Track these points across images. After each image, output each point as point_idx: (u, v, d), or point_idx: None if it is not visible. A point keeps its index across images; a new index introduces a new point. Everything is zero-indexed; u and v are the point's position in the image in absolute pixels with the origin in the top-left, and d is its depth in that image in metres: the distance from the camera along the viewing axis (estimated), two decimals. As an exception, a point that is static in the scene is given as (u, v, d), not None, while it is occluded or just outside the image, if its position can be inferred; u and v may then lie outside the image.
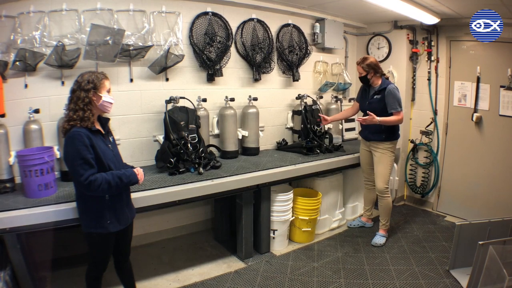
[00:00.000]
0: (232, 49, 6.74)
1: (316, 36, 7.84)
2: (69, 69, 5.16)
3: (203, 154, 5.80)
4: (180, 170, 5.51)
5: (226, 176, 5.53)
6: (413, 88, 8.37)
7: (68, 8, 5.19)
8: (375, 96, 6.38)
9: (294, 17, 7.51)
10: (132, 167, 4.12)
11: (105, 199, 3.78)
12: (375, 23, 8.58)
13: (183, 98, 5.98)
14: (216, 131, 6.67)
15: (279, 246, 6.48)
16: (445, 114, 8.04)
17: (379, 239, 6.70)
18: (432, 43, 8.01)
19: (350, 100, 8.61)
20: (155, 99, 6.07)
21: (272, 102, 7.50)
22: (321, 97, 8.04)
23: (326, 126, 7.56)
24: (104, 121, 4.04)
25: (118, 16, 5.51)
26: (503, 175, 7.19)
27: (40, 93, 5.14)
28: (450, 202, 8.13)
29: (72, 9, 5.22)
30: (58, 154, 4.90)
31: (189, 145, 5.64)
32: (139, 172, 4.00)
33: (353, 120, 8.39)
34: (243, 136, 6.76)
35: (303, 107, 7.31)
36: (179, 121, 5.69)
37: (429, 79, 8.14)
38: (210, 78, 6.49)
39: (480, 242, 4.86)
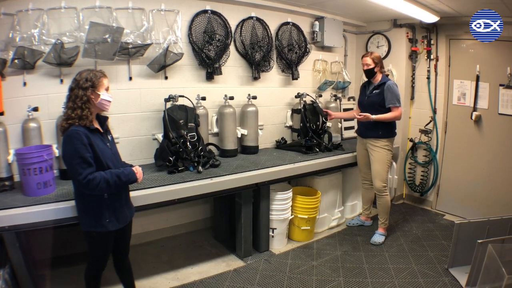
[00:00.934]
0: (231, 47, 6.74)
1: (315, 35, 7.83)
2: (68, 67, 5.15)
3: (202, 153, 5.78)
4: (179, 168, 5.51)
5: (225, 175, 5.53)
6: (413, 87, 8.39)
7: (67, 5, 5.17)
8: (374, 91, 6.41)
9: (293, 15, 7.51)
10: (131, 166, 4.11)
11: (104, 198, 3.77)
12: (375, 22, 8.59)
13: (182, 96, 5.97)
14: (215, 130, 6.67)
15: (278, 244, 6.48)
16: (444, 112, 8.05)
17: (378, 237, 6.71)
18: (432, 42, 8.02)
19: (349, 98, 8.67)
20: (154, 98, 6.06)
21: (271, 100, 7.50)
22: (321, 96, 8.02)
23: (325, 125, 7.53)
24: (103, 120, 4.03)
25: (117, 14, 5.50)
26: (502, 174, 7.21)
27: (38, 91, 5.13)
28: (449, 200, 8.15)
29: (71, 7, 5.20)
30: (57, 152, 4.88)
31: (188, 143, 5.63)
32: (138, 170, 4.00)
33: (352, 119, 8.39)
34: (242, 134, 6.75)
35: (302, 105, 7.29)
36: (178, 120, 5.68)
37: (428, 78, 8.15)
38: (209, 77, 6.49)
39: (479, 241, 4.92)
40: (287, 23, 7.42)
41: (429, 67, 8.14)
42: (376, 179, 6.57)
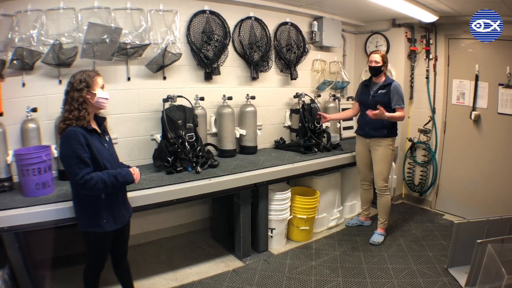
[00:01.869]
0: (230, 47, 6.75)
1: (314, 35, 7.85)
2: (66, 68, 5.18)
3: (200, 153, 5.81)
4: (178, 169, 5.53)
5: (224, 175, 5.54)
6: (411, 87, 8.40)
7: (66, 6, 5.19)
8: (380, 91, 6.39)
9: (292, 15, 7.54)
10: (129, 167, 4.13)
11: (101, 198, 3.79)
12: (373, 21, 8.62)
13: (181, 96, 5.99)
14: (214, 130, 6.70)
15: (277, 245, 6.50)
16: (444, 112, 8.07)
17: (377, 237, 6.72)
18: (431, 41, 8.04)
19: (348, 98, 8.69)
20: (152, 98, 6.08)
21: (270, 100, 7.52)
22: (319, 96, 8.04)
23: (324, 125, 7.55)
24: (101, 120, 4.06)
25: (116, 15, 5.52)
26: (502, 173, 7.23)
27: (37, 92, 5.15)
28: (448, 200, 8.17)
29: (69, 8, 5.23)
30: (55, 153, 4.89)
31: (186, 144, 5.66)
32: (135, 171, 4.02)
33: (351, 119, 8.41)
34: (240, 134, 6.77)
35: (301, 105, 7.33)
36: (176, 120, 5.70)
37: (427, 77, 8.17)
38: (208, 77, 6.51)
39: (479, 241, 4.93)
40: (285, 23, 7.44)
41: (428, 66, 8.15)
42: (379, 178, 6.59)
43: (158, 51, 5.86)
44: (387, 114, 6.07)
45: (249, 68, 7.02)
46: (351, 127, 8.64)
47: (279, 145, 7.53)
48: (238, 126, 6.85)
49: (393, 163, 7.39)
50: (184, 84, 6.38)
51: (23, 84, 5.06)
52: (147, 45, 5.73)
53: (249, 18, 6.93)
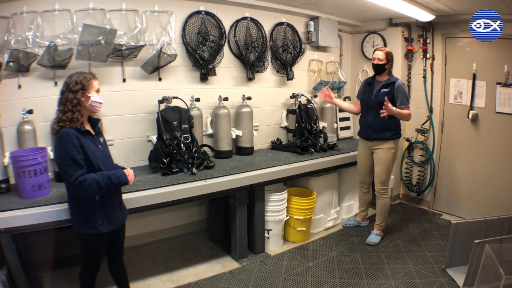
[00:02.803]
0: (226, 48, 6.79)
1: (310, 35, 7.89)
2: (61, 70, 5.21)
3: (196, 154, 5.85)
4: (173, 170, 5.56)
5: (220, 176, 5.59)
6: (408, 86, 8.39)
7: (61, 8, 5.23)
8: (383, 89, 6.31)
9: (288, 15, 7.56)
10: (123, 168, 4.15)
11: (96, 200, 3.84)
12: (370, 21, 8.64)
13: (176, 98, 6.03)
14: (210, 131, 6.73)
15: (274, 246, 6.53)
16: (441, 111, 8.11)
17: (374, 237, 6.75)
18: (428, 41, 8.07)
19: (345, 98, 8.70)
20: (148, 99, 6.11)
21: (266, 101, 7.55)
22: (316, 96, 8.04)
23: (321, 125, 7.59)
24: (95, 122, 4.10)
25: (111, 16, 5.56)
26: (500, 173, 7.27)
27: (33, 94, 5.19)
28: (446, 200, 8.21)
29: (64, 9, 5.26)
30: (51, 154, 4.91)
31: (182, 145, 5.69)
32: (129, 172, 4.06)
33: (348, 119, 8.49)
34: (237, 135, 6.81)
35: (297, 106, 7.38)
36: (171, 121, 5.74)
37: (424, 77, 8.21)
38: (204, 78, 6.55)
39: (476, 241, 4.90)
40: (281, 23, 7.47)
41: (425, 66, 8.19)
42: (377, 180, 6.59)
43: (153, 52, 5.88)
44: (394, 108, 6.02)
45: (245, 69, 7.05)
46: (348, 127, 8.72)
47: (276, 145, 7.56)
48: (234, 127, 6.87)
49: (392, 164, 7.41)
50: (179, 85, 6.41)
51: (19, 86, 5.09)
52: (142, 46, 5.76)
53: (244, 18, 6.96)
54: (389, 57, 6.32)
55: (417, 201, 8.72)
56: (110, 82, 5.77)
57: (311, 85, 8.22)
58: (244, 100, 6.88)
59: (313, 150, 7.13)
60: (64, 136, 3.61)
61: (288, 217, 6.61)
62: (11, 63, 4.87)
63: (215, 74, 6.56)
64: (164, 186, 5.08)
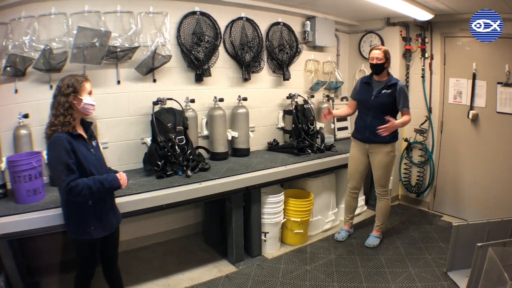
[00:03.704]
0: (221, 48, 6.80)
1: (306, 34, 7.89)
2: (57, 73, 5.21)
3: (191, 156, 5.84)
4: (168, 173, 5.56)
5: (215, 179, 5.59)
6: (407, 86, 8.33)
7: (57, 11, 5.25)
8: (384, 90, 6.16)
9: (284, 15, 7.57)
10: (116, 172, 4.17)
11: (89, 205, 3.84)
12: (367, 20, 8.65)
13: (171, 99, 6.05)
14: (205, 132, 6.73)
15: (271, 249, 6.52)
16: (440, 111, 8.12)
17: (373, 240, 6.73)
18: (426, 40, 8.09)
19: (342, 99, 8.78)
20: (142, 101, 6.12)
21: (262, 102, 7.56)
22: (313, 96, 8.04)
23: (318, 126, 7.59)
24: (87, 125, 4.11)
25: (106, 18, 5.58)
26: (502, 174, 7.27)
27: (29, 98, 5.22)
28: (446, 201, 8.23)
29: (60, 13, 5.28)
30: (46, 158, 4.88)
31: (176, 147, 5.68)
32: (122, 176, 4.07)
33: (345, 119, 8.47)
34: (232, 137, 6.81)
35: (294, 106, 7.36)
36: (166, 123, 5.74)
37: (423, 77, 8.23)
38: (199, 79, 6.56)
39: (479, 244, 4.81)
40: (277, 23, 7.48)
41: (423, 65, 8.21)
42: (378, 184, 6.55)
43: (147, 53, 5.90)
44: (397, 122, 6.01)
45: (241, 69, 7.05)
46: (345, 128, 8.72)
47: (272, 146, 7.56)
48: (230, 128, 6.87)
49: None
50: (174, 86, 6.42)
51: (16, 91, 5.12)
52: (137, 47, 5.78)
53: (240, 18, 6.96)
54: (388, 55, 6.18)
55: (416, 202, 8.72)
56: (105, 85, 5.78)
57: (308, 85, 8.23)
58: (240, 101, 6.88)
59: (310, 151, 7.13)
60: (56, 140, 3.62)
61: (285, 219, 6.60)
62: (8, 68, 4.91)
63: (210, 75, 6.56)
64: (158, 190, 5.08)
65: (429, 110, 8.23)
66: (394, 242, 6.85)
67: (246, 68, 7.00)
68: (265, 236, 6.40)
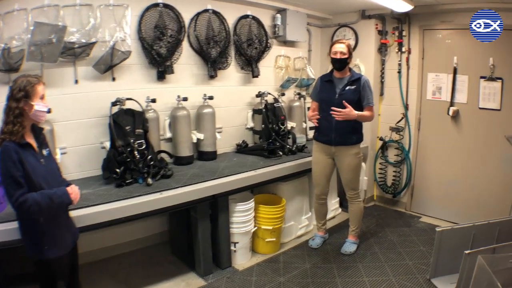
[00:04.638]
0: (185, 43, 6.58)
1: (277, 28, 7.77)
2: (15, 73, 4.90)
3: (152, 162, 5.58)
4: (127, 181, 5.28)
5: (178, 187, 5.32)
6: (382, 82, 8.39)
7: (19, 7, 4.99)
8: (348, 87, 6.01)
9: (253, 7, 7.41)
10: (69, 184, 3.90)
11: (40, 223, 3.60)
12: (341, 14, 8.57)
13: (130, 99, 5.79)
14: (168, 135, 6.51)
15: (242, 259, 6.33)
16: (418, 108, 8.09)
17: (350, 246, 6.60)
18: (404, 33, 8.04)
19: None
20: (102, 101, 5.80)
21: (230, 100, 7.39)
22: (283, 94, 7.93)
23: (289, 125, 7.51)
24: (38, 131, 3.85)
25: (65, 12, 5.28)
26: (483, 173, 7.28)
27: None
28: (424, 201, 8.22)
29: (22, 8, 5.02)
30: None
31: (135, 152, 5.43)
32: (73, 190, 3.80)
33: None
34: (198, 139, 6.60)
35: (263, 105, 7.23)
36: (124, 126, 5.51)
37: (399, 72, 8.16)
38: (161, 76, 6.33)
39: (467, 252, 4.72)
40: (246, 16, 7.30)
41: (400, 60, 8.14)
42: (348, 188, 6.43)
43: (106, 49, 5.62)
44: (355, 112, 5.81)
45: (207, 66, 6.83)
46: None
47: (241, 148, 7.42)
48: (195, 130, 6.68)
49: (363, 164, 7.35)
50: (135, 85, 6.17)
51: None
52: (94, 43, 5.47)
53: (206, 11, 6.74)
54: (351, 49, 6.04)
55: (393, 203, 8.70)
56: (62, 84, 5.50)
57: (278, 83, 8.12)
58: (205, 99, 6.68)
59: (281, 153, 6.94)
60: (4, 150, 3.39)
61: (256, 227, 6.42)
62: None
63: (173, 72, 6.34)
64: (116, 201, 4.76)
65: (406, 107, 8.16)
66: (372, 247, 6.74)
67: (212, 64, 6.77)
68: (234, 247, 6.19)
